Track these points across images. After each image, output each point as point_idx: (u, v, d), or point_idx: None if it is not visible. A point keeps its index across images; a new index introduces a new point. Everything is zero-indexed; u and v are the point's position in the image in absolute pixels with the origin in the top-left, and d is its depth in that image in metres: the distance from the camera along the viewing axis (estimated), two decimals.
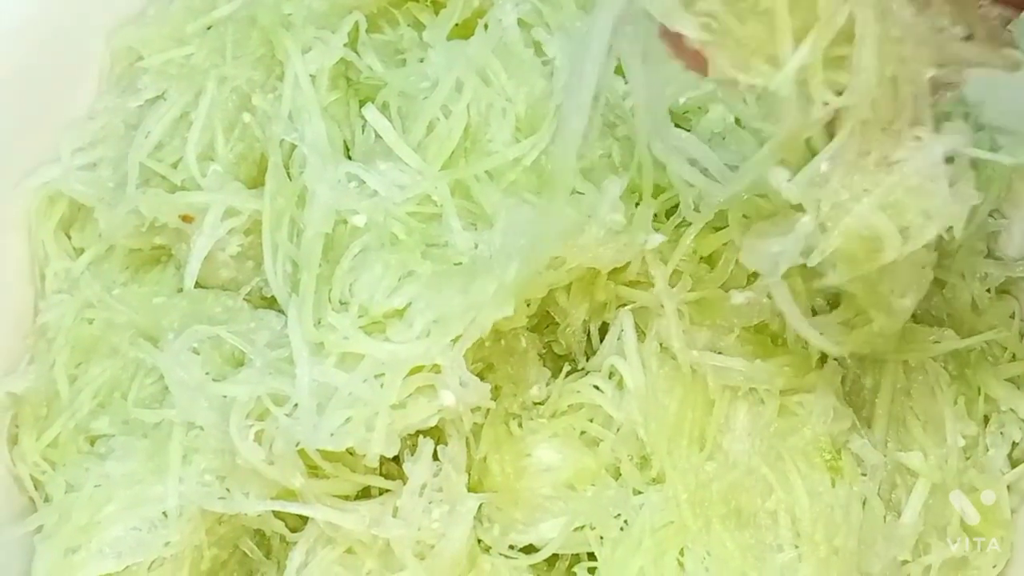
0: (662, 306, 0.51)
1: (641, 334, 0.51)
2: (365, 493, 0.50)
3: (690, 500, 0.49)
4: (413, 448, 0.49)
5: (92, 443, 0.54)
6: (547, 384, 0.53)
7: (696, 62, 0.39)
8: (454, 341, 0.47)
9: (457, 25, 0.57)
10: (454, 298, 0.47)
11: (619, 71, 0.46)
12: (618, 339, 0.52)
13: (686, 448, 0.50)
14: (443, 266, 0.48)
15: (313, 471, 0.48)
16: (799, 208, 0.40)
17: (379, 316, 0.47)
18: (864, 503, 0.50)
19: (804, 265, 0.41)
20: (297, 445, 0.46)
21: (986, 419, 0.54)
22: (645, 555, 0.48)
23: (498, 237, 0.49)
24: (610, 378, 0.52)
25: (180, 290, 0.56)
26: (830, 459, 0.50)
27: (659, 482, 0.50)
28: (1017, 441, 0.54)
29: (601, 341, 0.53)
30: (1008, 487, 0.53)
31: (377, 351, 0.46)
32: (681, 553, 0.49)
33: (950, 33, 0.38)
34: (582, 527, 0.50)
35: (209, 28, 0.58)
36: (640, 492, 0.50)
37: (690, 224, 0.51)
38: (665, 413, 0.50)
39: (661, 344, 0.51)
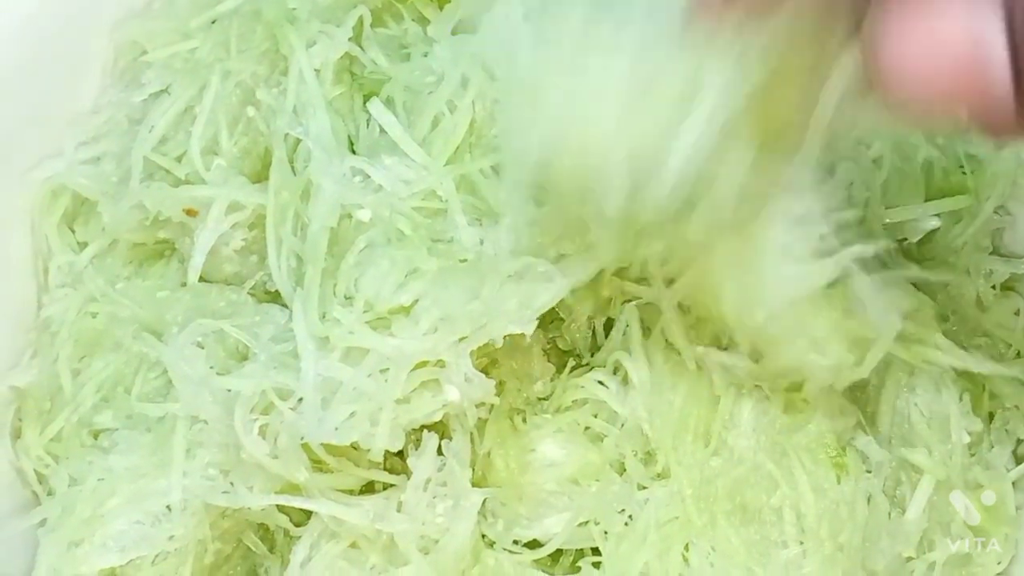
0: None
1: (647, 330, 0.51)
2: (369, 488, 0.50)
3: (695, 496, 0.49)
4: (417, 443, 0.49)
5: (95, 437, 0.54)
6: (551, 380, 0.53)
7: None
8: (460, 340, 0.47)
9: (461, 20, 0.57)
10: (462, 297, 0.47)
11: None
12: (623, 335, 0.52)
13: (691, 444, 0.50)
14: (449, 262, 0.48)
15: (317, 466, 0.48)
16: None
17: (384, 312, 0.47)
18: (869, 500, 0.50)
19: None
20: (302, 439, 0.46)
21: (991, 416, 0.54)
22: (650, 550, 0.48)
23: (504, 235, 0.48)
24: (615, 374, 0.52)
25: (184, 284, 0.55)
26: (835, 456, 0.50)
27: (663, 477, 0.50)
28: (1022, 438, 0.54)
29: (606, 337, 0.53)
30: (1013, 484, 0.53)
31: (382, 346, 0.46)
32: (686, 548, 0.49)
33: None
34: (586, 522, 0.50)
35: (213, 22, 0.58)
36: (644, 487, 0.50)
37: None
38: (670, 409, 0.50)
39: (667, 340, 0.51)
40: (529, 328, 0.47)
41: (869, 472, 0.51)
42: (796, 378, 0.48)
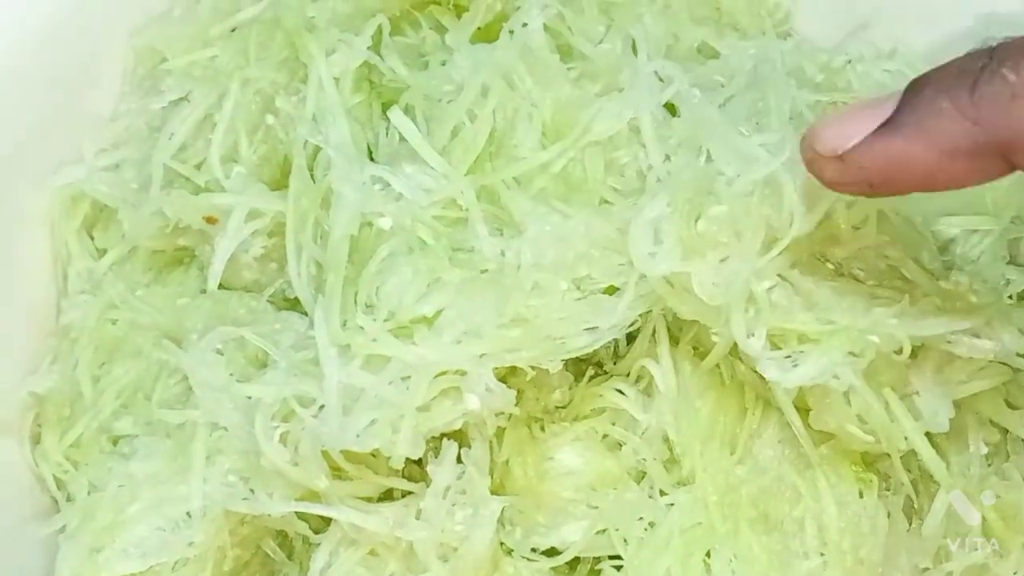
0: None
1: (673, 340, 0.52)
2: (388, 495, 0.50)
3: (719, 502, 0.49)
4: (436, 451, 0.49)
5: (115, 443, 0.54)
6: (569, 388, 0.53)
7: None
8: (483, 356, 0.47)
9: (479, 29, 0.57)
10: (487, 312, 0.47)
11: None
12: (649, 343, 0.52)
13: (718, 451, 0.50)
14: (470, 273, 0.48)
15: (336, 473, 0.48)
16: None
17: (406, 321, 0.47)
18: (888, 516, 0.50)
19: None
20: (323, 446, 0.46)
21: None
22: (672, 555, 0.48)
23: (527, 247, 0.49)
24: (637, 382, 0.52)
25: (203, 291, 0.56)
26: (859, 471, 0.50)
27: (685, 484, 0.50)
28: None
29: (628, 345, 0.53)
30: None
31: (405, 354, 0.46)
32: (708, 555, 0.49)
33: None
34: (604, 530, 0.50)
35: (233, 30, 0.59)
36: (665, 494, 0.50)
37: None
38: (697, 416, 0.50)
39: (695, 348, 0.51)
40: (556, 367, 0.48)
41: (888, 491, 0.51)
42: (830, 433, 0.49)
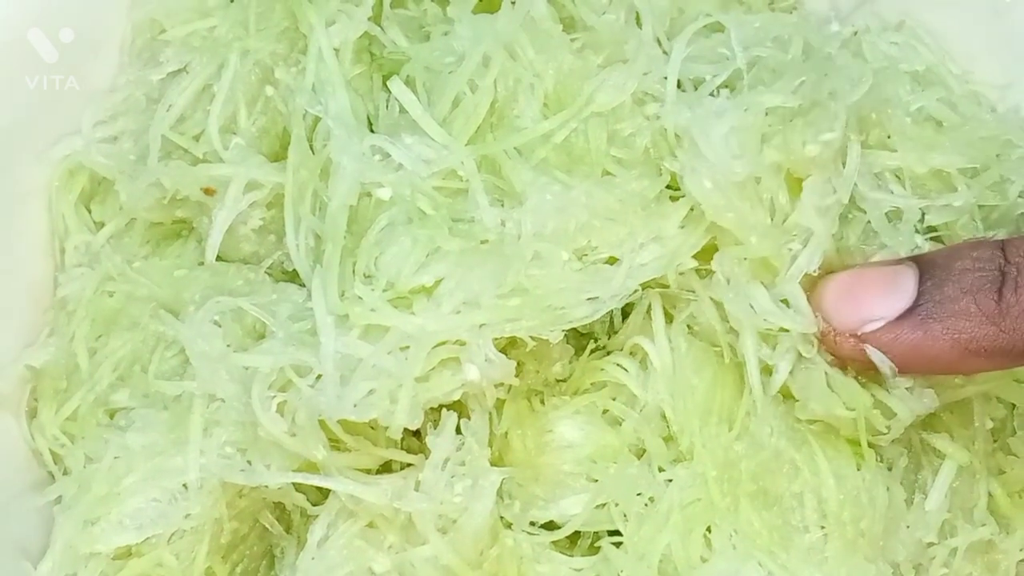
0: (692, 291, 0.50)
1: (668, 316, 0.51)
2: (386, 467, 0.50)
3: (718, 478, 0.48)
4: (435, 422, 0.49)
5: (111, 416, 0.54)
6: (569, 362, 0.53)
7: None
8: (482, 326, 0.46)
9: (480, 1, 0.57)
10: (486, 281, 0.46)
11: None
12: (643, 319, 0.51)
13: (715, 426, 0.49)
14: (470, 243, 0.48)
15: (334, 445, 0.48)
16: None
17: (405, 291, 0.47)
18: (887, 490, 0.50)
19: None
20: (320, 416, 0.46)
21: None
22: (672, 531, 0.48)
23: (528, 217, 0.48)
24: (633, 357, 0.52)
25: (201, 263, 0.55)
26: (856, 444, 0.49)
27: (682, 461, 0.50)
28: None
29: (623, 320, 0.52)
30: None
31: (404, 324, 0.46)
32: (708, 531, 0.48)
33: None
34: (604, 504, 0.50)
35: (232, 0, 0.58)
36: (663, 470, 0.50)
37: None
38: (694, 392, 0.50)
39: (690, 327, 0.51)
40: (556, 337, 0.47)
41: (881, 462, 0.50)
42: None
